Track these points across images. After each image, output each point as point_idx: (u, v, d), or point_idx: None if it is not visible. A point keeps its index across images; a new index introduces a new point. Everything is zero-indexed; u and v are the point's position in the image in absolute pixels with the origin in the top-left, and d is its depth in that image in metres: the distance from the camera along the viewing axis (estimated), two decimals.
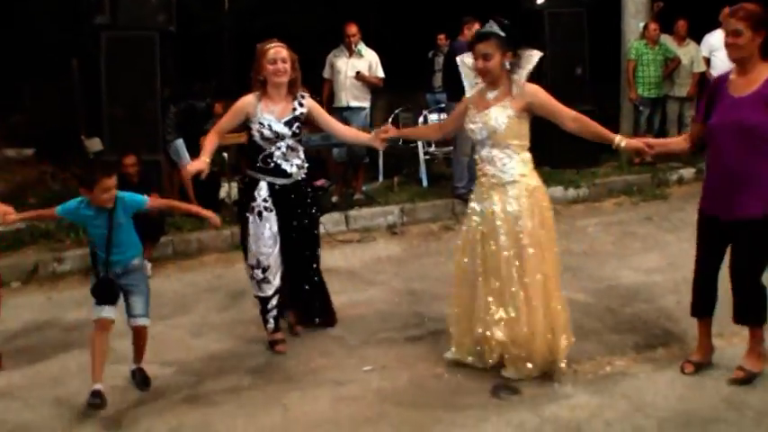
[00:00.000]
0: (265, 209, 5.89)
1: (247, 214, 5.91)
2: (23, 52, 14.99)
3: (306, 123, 6.08)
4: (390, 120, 12.59)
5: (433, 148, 11.82)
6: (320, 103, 11.36)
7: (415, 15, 18.31)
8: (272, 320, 6.06)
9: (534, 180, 5.31)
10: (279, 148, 5.84)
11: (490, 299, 5.26)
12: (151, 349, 6.12)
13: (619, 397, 4.97)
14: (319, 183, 10.14)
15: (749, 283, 5.04)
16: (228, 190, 10.30)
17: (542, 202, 5.32)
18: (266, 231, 5.90)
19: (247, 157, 6.01)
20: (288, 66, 5.82)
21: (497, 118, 5.21)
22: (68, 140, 12.60)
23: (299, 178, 5.96)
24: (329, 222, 9.54)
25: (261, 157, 5.84)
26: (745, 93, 4.88)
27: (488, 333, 5.25)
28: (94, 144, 10.95)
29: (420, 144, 11.37)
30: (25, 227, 8.96)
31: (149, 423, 4.98)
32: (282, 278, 6.03)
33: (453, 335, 5.62)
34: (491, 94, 5.32)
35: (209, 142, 5.92)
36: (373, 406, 5.06)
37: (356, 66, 10.79)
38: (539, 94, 5.30)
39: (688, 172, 11.61)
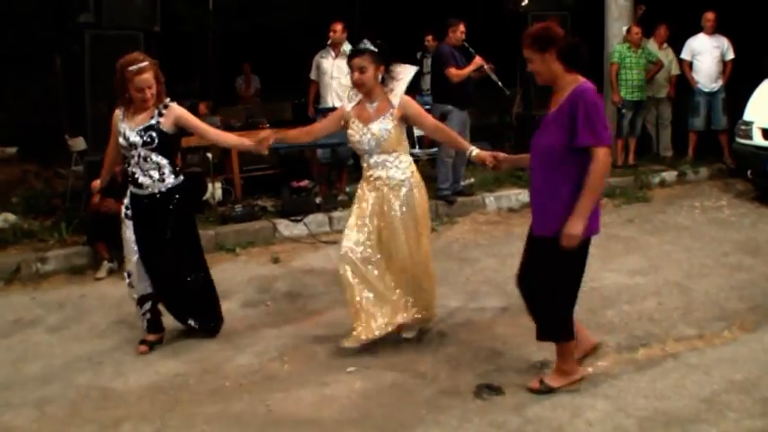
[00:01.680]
0: (126, 216, 6.01)
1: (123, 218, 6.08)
2: (6, 50, 14.94)
3: (181, 131, 6.07)
4: None
5: (417, 150, 11.83)
6: (305, 104, 11.40)
7: (401, 16, 18.35)
8: (145, 322, 6.19)
9: (417, 177, 5.94)
10: (134, 158, 5.87)
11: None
12: (134, 350, 6.15)
13: (600, 397, 5.01)
14: (302, 183, 10.14)
15: (543, 301, 5.11)
16: (213, 191, 10.29)
17: (424, 195, 5.97)
18: (129, 237, 6.02)
19: None
20: (153, 90, 5.84)
21: (382, 129, 5.74)
22: (52, 139, 12.57)
23: (156, 191, 5.92)
24: (313, 223, 9.57)
25: (127, 165, 5.98)
26: (550, 111, 4.98)
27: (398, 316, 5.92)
28: (78, 143, 10.91)
29: None
30: (8, 227, 8.96)
31: (133, 424, 4.99)
32: (154, 285, 6.12)
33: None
34: (371, 106, 5.82)
35: (108, 158, 6.25)
36: (357, 406, 5.08)
37: (342, 66, 10.80)
38: (412, 104, 5.89)
39: (670, 175, 11.69)
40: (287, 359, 5.87)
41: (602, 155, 4.66)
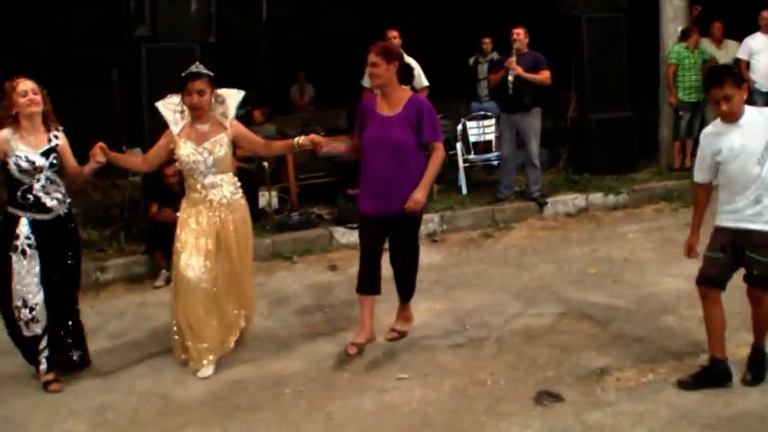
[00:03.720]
0: (29, 246, 5.74)
1: (10, 253, 5.74)
2: (64, 63, 15.18)
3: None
4: None
5: (472, 155, 11.81)
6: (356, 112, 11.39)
7: (453, 20, 18.33)
8: (44, 361, 5.82)
9: (241, 196, 6.23)
10: (38, 181, 5.76)
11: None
12: None
13: (663, 404, 4.95)
14: (355, 191, 10.16)
15: (406, 264, 6.20)
16: (269, 199, 10.35)
17: (247, 213, 6.28)
18: (32, 270, 5.74)
19: (7, 193, 5.86)
20: (39, 97, 5.82)
21: (219, 148, 5.98)
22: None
23: (61, 213, 5.87)
24: None
25: (20, 191, 5.74)
26: (392, 113, 5.94)
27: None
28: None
29: (459, 151, 11.36)
30: None
31: (194, 431, 5.04)
32: (49, 316, 5.87)
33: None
34: (202, 127, 6.03)
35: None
36: (417, 413, 5.08)
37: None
38: (240, 127, 6.24)
39: None
40: (346, 366, 5.88)
41: (441, 147, 6.03)
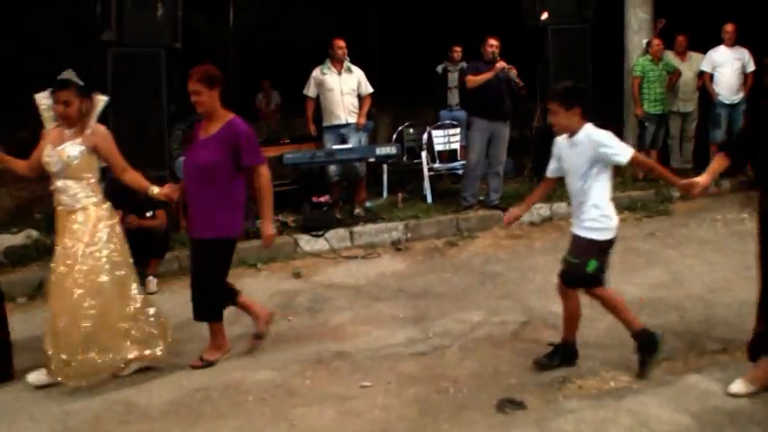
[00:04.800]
0: None
1: None
2: (28, 66, 15.04)
3: None
4: (395, 136, 12.63)
5: (437, 164, 11.85)
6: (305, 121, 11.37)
7: (419, 29, 18.35)
8: None
9: (106, 205, 6.03)
10: None
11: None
12: (157, 364, 6.18)
13: (624, 412, 4.98)
14: (323, 198, 10.17)
15: (202, 287, 6.10)
16: None
17: (113, 220, 6.07)
18: None
19: None
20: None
21: (71, 153, 5.84)
22: None
23: None
24: (334, 238, 9.59)
25: None
26: (206, 135, 6.00)
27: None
28: (100, 160, 10.98)
29: (424, 160, 11.41)
30: (31, 243, 9.02)
31: None
32: None
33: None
34: (68, 131, 5.92)
35: None
36: (379, 421, 5.09)
37: (348, 83, 10.85)
38: (106, 139, 6.01)
39: None
40: (309, 374, 5.88)
41: (265, 170, 6.08)
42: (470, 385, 5.52)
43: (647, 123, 11.99)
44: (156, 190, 6.06)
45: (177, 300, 7.89)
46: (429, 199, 11.17)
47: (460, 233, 9.95)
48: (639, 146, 11.91)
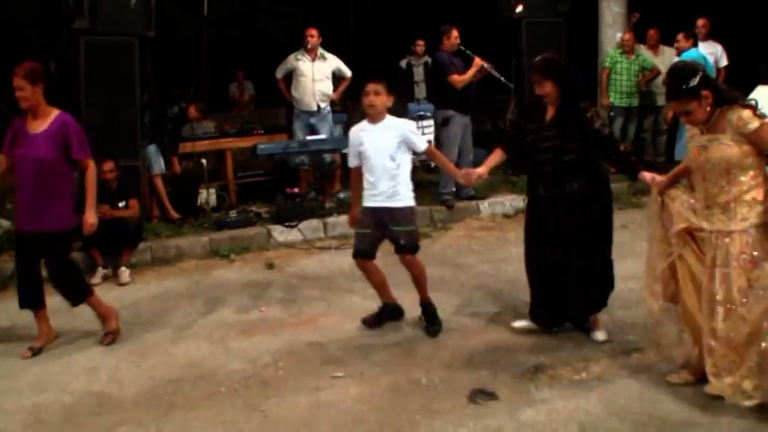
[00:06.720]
0: None
1: None
2: (0, 55, 14.92)
3: None
4: None
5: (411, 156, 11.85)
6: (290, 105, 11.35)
7: (395, 22, 18.36)
8: None
9: None
10: None
11: None
12: (130, 355, 6.17)
13: (594, 401, 5.03)
14: (296, 189, 10.17)
15: (59, 280, 6.36)
16: (207, 197, 10.30)
17: None
18: None
19: None
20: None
21: None
22: None
23: None
24: (307, 229, 9.58)
25: None
26: (38, 131, 6.11)
27: None
28: None
29: None
30: (2, 233, 8.94)
31: (128, 430, 4.99)
32: None
33: None
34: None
35: None
36: (352, 411, 5.09)
37: (322, 69, 10.84)
38: None
39: None
40: (281, 365, 5.88)
41: (92, 164, 6.27)
42: (443, 376, 5.54)
43: (612, 114, 12.02)
44: None
45: (150, 290, 7.88)
46: None
47: (434, 225, 9.97)
48: None
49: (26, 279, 6.31)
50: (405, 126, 6.40)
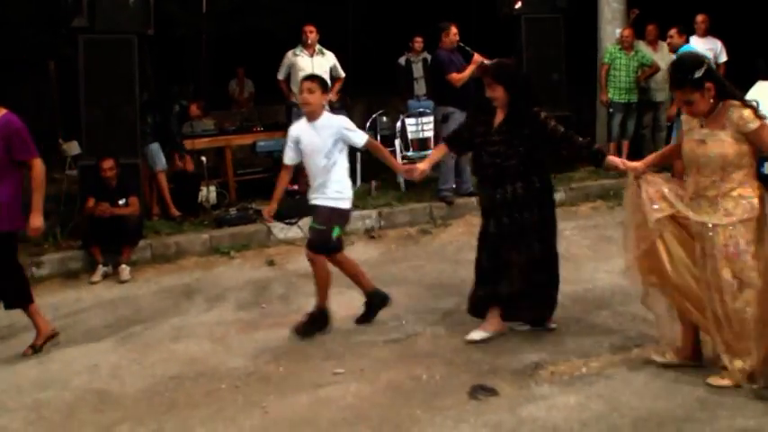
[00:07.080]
0: None
1: None
2: (0, 53, 14.92)
3: None
4: (368, 124, 12.61)
5: (410, 152, 11.85)
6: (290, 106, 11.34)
7: (393, 18, 18.34)
8: None
9: None
10: None
11: None
12: (130, 353, 6.18)
13: (595, 397, 5.03)
14: (296, 186, 10.17)
15: (6, 281, 6.20)
16: (207, 194, 10.31)
17: None
18: None
19: None
20: None
21: None
22: (46, 143, 12.55)
23: None
24: (307, 226, 9.55)
25: None
26: None
27: None
28: (72, 147, 10.93)
29: (398, 148, 11.42)
30: None
31: (129, 427, 5.00)
32: None
33: None
34: None
35: None
36: (352, 408, 5.10)
37: (321, 65, 10.81)
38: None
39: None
40: (282, 361, 5.88)
41: (39, 164, 6.09)
42: (443, 372, 5.54)
43: (611, 110, 12.01)
44: None
45: (150, 287, 7.89)
46: (402, 187, 11.16)
47: (434, 221, 9.97)
48: (608, 135, 11.97)
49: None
50: (340, 123, 6.41)
